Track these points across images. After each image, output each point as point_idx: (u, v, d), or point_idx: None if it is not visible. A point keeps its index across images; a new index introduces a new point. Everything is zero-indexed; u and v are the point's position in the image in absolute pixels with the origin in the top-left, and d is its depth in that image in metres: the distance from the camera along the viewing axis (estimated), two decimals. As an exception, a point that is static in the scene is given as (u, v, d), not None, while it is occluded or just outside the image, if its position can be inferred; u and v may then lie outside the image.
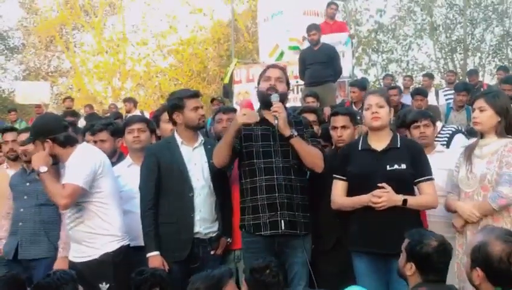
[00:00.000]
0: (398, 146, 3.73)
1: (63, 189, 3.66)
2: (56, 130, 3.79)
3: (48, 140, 3.75)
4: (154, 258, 3.95)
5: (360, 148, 3.83)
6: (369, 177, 3.67)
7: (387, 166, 3.67)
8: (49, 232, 4.51)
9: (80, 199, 3.74)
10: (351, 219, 3.80)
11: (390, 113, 3.79)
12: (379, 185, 3.60)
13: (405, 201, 3.59)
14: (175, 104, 4.18)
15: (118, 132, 4.95)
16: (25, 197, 4.66)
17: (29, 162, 4.65)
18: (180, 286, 3.70)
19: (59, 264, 4.10)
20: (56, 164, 3.88)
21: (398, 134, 3.87)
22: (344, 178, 3.83)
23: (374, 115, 3.73)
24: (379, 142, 3.77)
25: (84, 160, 3.75)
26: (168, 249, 3.99)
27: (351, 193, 3.79)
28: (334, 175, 3.87)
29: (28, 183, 4.66)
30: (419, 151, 3.79)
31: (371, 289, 3.12)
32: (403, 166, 3.66)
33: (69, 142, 3.82)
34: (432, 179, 3.72)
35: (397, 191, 3.60)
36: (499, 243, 2.60)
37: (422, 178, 3.68)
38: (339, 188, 3.85)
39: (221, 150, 3.85)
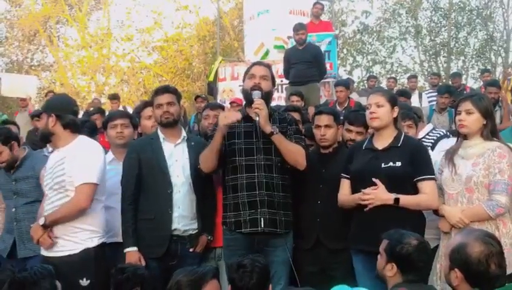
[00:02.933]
0: (399, 145, 3.73)
1: (76, 197, 3.66)
2: (64, 110, 3.82)
3: (53, 115, 3.77)
4: (131, 254, 3.93)
5: (364, 147, 3.86)
6: (365, 175, 3.70)
7: (382, 164, 3.68)
8: None
9: (69, 189, 3.70)
10: (352, 217, 3.82)
11: (393, 112, 3.77)
12: (374, 180, 3.62)
13: (397, 200, 3.59)
14: (151, 101, 4.30)
15: (94, 130, 4.89)
16: (15, 196, 4.57)
17: (8, 167, 4.63)
18: (158, 282, 3.68)
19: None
20: (47, 143, 3.97)
21: (403, 132, 3.87)
22: (348, 176, 3.86)
23: (371, 115, 3.75)
24: (382, 141, 3.79)
25: (93, 156, 3.76)
26: (145, 246, 3.97)
27: (352, 191, 3.81)
28: (341, 174, 3.91)
29: (13, 182, 4.58)
30: (420, 151, 3.77)
31: (368, 287, 3.10)
32: (398, 164, 3.65)
33: (71, 127, 3.82)
34: (432, 179, 3.69)
35: (391, 190, 3.60)
36: (477, 244, 2.63)
37: (420, 177, 3.66)
38: (344, 187, 3.88)
39: (208, 157, 3.85)
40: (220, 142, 3.79)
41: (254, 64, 4.15)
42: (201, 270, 3.03)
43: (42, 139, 4.05)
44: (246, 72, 4.05)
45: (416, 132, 4.58)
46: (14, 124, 7.49)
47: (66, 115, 3.79)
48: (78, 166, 3.69)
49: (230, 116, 3.77)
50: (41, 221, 3.69)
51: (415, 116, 4.67)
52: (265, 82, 3.95)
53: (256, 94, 3.83)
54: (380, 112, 3.74)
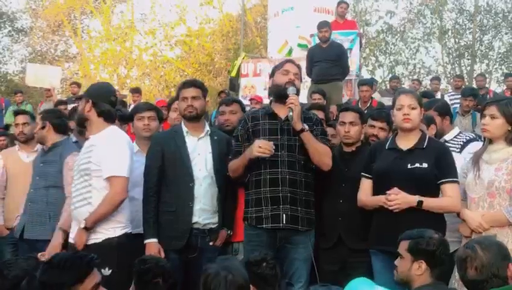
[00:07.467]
0: (424, 146, 3.72)
1: (112, 190, 3.69)
2: (101, 98, 3.88)
3: (90, 101, 3.85)
4: (151, 245, 3.96)
5: (387, 147, 3.84)
6: (390, 176, 3.68)
7: (408, 165, 3.66)
8: (53, 215, 4.47)
9: (93, 176, 3.74)
10: (373, 217, 3.82)
11: (421, 113, 3.77)
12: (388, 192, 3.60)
13: (420, 202, 3.57)
14: (177, 94, 4.33)
15: (124, 118, 4.95)
16: (37, 178, 4.65)
17: (41, 142, 4.79)
18: (178, 274, 3.72)
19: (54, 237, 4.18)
20: (83, 127, 4.05)
21: (427, 134, 3.86)
22: (370, 176, 3.84)
23: (405, 116, 3.72)
24: (406, 142, 3.77)
25: (123, 149, 3.78)
26: (165, 237, 4.00)
27: (374, 191, 3.80)
28: (362, 173, 3.89)
29: (41, 164, 4.65)
30: (444, 153, 3.75)
31: (387, 287, 3.10)
32: (424, 165, 3.63)
33: (105, 116, 3.87)
34: (455, 182, 3.66)
35: (417, 191, 3.58)
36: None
37: (444, 179, 3.64)
38: (365, 187, 3.86)
39: (237, 168, 3.92)
40: (248, 160, 3.84)
41: (287, 61, 4.14)
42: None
43: (78, 123, 4.17)
44: (278, 68, 4.05)
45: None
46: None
47: (102, 103, 3.85)
48: (110, 157, 3.71)
49: (264, 150, 3.72)
50: (83, 224, 3.68)
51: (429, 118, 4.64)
52: (297, 81, 3.99)
53: (292, 90, 3.85)
54: (413, 114, 3.71)
